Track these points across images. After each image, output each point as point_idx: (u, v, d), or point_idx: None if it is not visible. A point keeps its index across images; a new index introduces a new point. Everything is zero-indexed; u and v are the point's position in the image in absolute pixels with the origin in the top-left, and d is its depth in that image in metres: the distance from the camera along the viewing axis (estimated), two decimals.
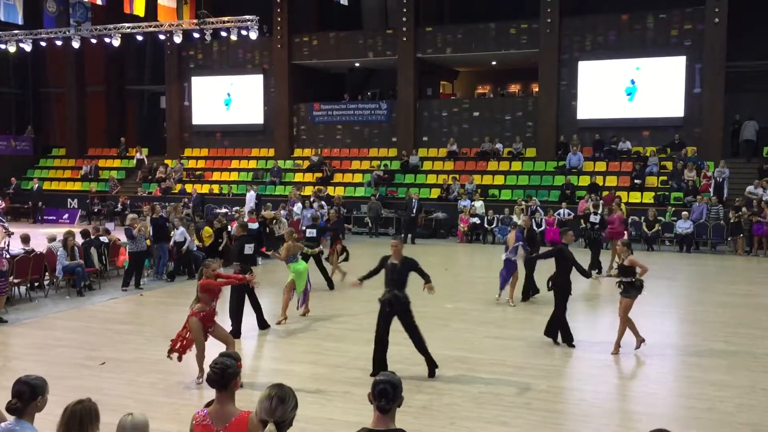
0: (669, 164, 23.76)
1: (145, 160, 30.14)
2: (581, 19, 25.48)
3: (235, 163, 29.70)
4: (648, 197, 22.93)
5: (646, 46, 24.55)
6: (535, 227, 21.55)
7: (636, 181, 23.48)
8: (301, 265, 11.70)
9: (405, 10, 26.97)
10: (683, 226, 20.62)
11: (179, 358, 8.44)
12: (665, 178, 23.39)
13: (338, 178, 27.35)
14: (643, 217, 21.21)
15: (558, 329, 10.30)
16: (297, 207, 22.09)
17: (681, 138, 24.17)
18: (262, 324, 11.17)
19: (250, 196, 24.48)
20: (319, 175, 27.25)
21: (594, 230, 16.85)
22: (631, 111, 24.78)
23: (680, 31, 24.21)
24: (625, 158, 24.66)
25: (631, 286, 9.72)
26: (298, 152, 29.26)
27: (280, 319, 11.54)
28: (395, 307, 8.63)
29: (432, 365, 8.81)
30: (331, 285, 14.50)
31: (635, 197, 23.15)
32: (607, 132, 25.27)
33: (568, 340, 10.22)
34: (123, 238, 15.80)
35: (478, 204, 23.16)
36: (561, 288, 10.26)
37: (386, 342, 8.76)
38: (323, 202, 22.51)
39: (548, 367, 9.29)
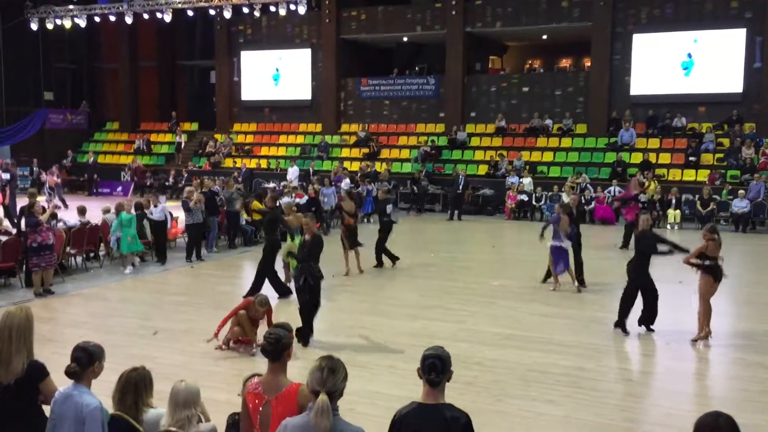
0: (726, 141, 23.03)
1: (183, 143, 30.40)
2: None
3: (282, 138, 29.89)
4: (703, 175, 22.30)
5: (704, 19, 23.70)
6: (585, 205, 21.32)
7: (691, 158, 22.85)
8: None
9: None
10: (740, 205, 20.02)
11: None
12: (721, 155, 22.69)
13: (385, 153, 27.31)
14: (697, 196, 20.66)
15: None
16: (345, 183, 22.15)
17: (739, 114, 23.37)
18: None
19: (293, 171, 24.71)
20: (366, 150, 27.25)
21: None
22: (687, 86, 24.02)
23: (740, 3, 23.27)
24: (679, 135, 23.98)
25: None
26: (345, 128, 29.28)
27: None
28: (306, 278, 9.03)
29: (306, 336, 9.04)
30: (383, 263, 14.37)
31: (690, 175, 22.54)
32: (661, 108, 24.58)
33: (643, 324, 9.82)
34: (175, 212, 16.16)
35: (527, 181, 22.86)
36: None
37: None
38: (368, 179, 22.55)
39: (597, 346, 9.17)
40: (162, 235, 14.82)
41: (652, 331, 9.70)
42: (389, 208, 14.68)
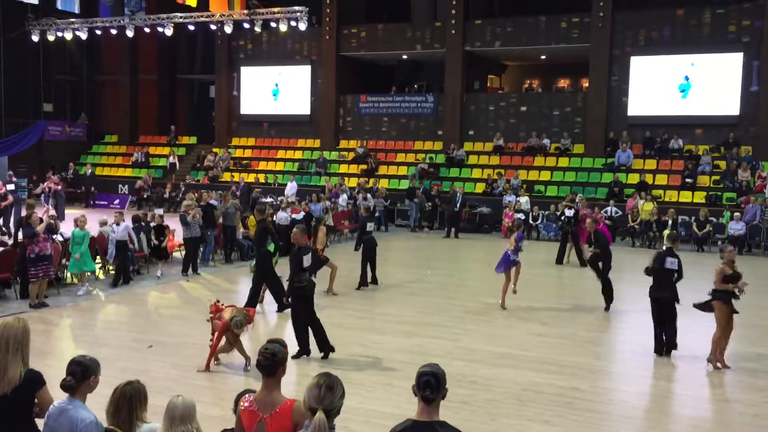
0: (722, 163, 23.15)
1: (177, 164, 30.08)
2: (635, 13, 24.92)
3: (281, 153, 29.96)
4: (699, 197, 22.39)
5: (702, 42, 23.91)
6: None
7: (687, 180, 22.94)
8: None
9: (454, 3, 26.74)
10: (735, 228, 20.08)
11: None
12: (718, 177, 22.79)
13: (383, 170, 27.38)
14: (693, 218, 20.73)
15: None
16: (342, 199, 22.20)
17: (736, 137, 23.50)
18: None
19: (291, 187, 24.73)
20: (364, 167, 27.32)
21: (569, 224, 17.45)
22: (684, 108, 24.18)
23: (738, 27, 23.50)
24: (676, 156, 24.10)
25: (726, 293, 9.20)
26: (343, 144, 29.36)
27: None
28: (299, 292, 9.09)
29: (327, 350, 9.12)
30: (374, 281, 14.20)
31: (686, 197, 22.63)
32: (658, 129, 24.73)
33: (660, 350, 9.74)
34: (172, 225, 16.15)
35: (524, 200, 22.91)
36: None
37: (317, 322, 9.19)
38: (369, 195, 22.63)
39: (592, 366, 9.16)
40: (123, 256, 13.82)
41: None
42: (370, 225, 14.54)
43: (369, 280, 13.99)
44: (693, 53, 23.92)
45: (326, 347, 9.17)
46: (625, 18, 24.92)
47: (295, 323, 9.25)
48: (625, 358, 9.82)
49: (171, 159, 30.08)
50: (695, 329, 10.27)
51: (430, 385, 3.52)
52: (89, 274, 13.49)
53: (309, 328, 9.18)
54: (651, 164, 24.18)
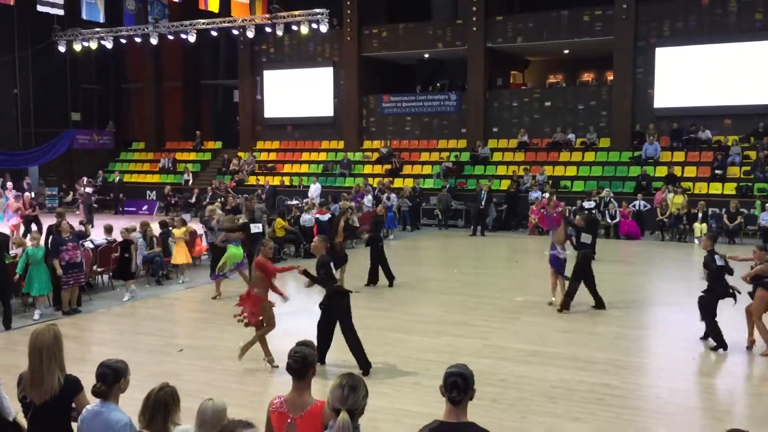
0: (752, 154, 22.74)
1: (191, 180, 29.97)
2: (659, 4, 24.58)
3: (305, 156, 30.09)
4: (730, 188, 22.03)
5: (729, 31, 23.50)
6: (608, 218, 21.20)
7: (717, 171, 22.58)
8: (235, 251, 12.84)
9: (475, 0, 26.66)
10: (767, 218, 19.74)
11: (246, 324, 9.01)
12: (748, 168, 22.40)
13: (407, 169, 27.36)
14: (724, 209, 20.41)
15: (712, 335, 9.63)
16: (367, 199, 22.23)
17: (765, 126, 23.08)
18: None
19: (315, 188, 24.82)
20: (388, 166, 27.33)
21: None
22: (711, 98, 23.79)
23: (765, 15, 23.05)
24: (705, 148, 23.73)
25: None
26: (367, 144, 29.40)
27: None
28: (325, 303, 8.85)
29: (365, 366, 8.53)
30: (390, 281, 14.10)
31: (716, 188, 22.28)
32: (685, 120, 24.36)
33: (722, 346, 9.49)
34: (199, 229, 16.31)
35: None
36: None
37: (330, 335, 8.87)
38: (393, 194, 22.65)
39: (622, 362, 9.06)
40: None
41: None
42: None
43: (387, 282, 14.03)
44: (719, 43, 23.52)
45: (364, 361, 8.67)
46: (648, 9, 24.59)
47: (319, 331, 8.88)
48: (657, 354, 9.70)
49: (185, 176, 30.09)
50: (739, 326, 10.14)
51: (457, 386, 3.50)
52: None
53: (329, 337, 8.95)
54: (679, 156, 23.84)
